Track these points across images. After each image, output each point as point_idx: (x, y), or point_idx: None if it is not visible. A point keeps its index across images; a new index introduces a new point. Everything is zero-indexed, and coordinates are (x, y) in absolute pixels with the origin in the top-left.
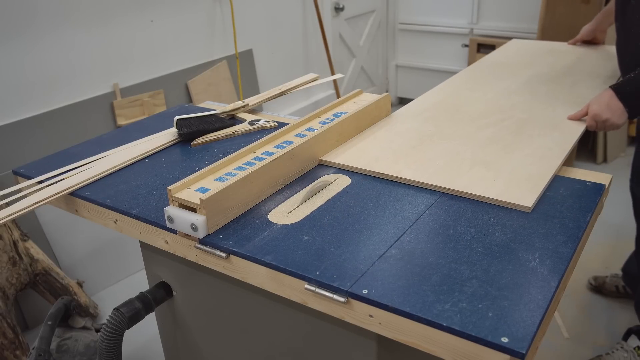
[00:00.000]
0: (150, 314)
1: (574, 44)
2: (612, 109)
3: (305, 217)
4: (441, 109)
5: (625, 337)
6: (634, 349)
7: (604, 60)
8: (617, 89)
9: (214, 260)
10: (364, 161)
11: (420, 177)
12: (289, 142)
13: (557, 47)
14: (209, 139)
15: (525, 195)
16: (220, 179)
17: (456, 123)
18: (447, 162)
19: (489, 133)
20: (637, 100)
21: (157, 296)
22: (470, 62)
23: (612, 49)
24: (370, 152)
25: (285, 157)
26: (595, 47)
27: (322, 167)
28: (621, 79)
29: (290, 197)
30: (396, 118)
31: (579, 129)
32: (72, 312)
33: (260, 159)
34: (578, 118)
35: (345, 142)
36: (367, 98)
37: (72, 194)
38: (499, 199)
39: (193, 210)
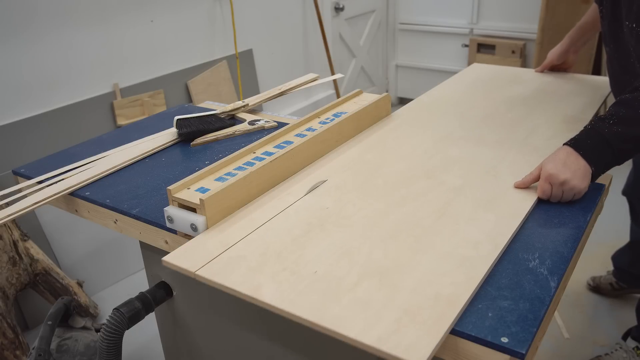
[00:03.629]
0: (150, 314)
1: (542, 71)
2: (572, 168)
3: None
4: (357, 167)
5: (625, 337)
6: (633, 349)
7: (573, 96)
8: (575, 144)
9: None
10: (217, 266)
11: (281, 301)
12: (289, 142)
13: (521, 74)
14: (209, 139)
15: (417, 341)
16: (220, 179)
17: (366, 194)
18: (329, 271)
19: (402, 213)
20: (602, 154)
21: (157, 296)
22: (470, 62)
23: (583, 78)
24: (233, 248)
25: (285, 157)
26: (565, 76)
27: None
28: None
29: None
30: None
31: (523, 207)
32: (72, 312)
33: (260, 159)
34: (527, 185)
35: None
36: (367, 98)
37: (72, 194)
38: (376, 347)
39: (193, 210)
